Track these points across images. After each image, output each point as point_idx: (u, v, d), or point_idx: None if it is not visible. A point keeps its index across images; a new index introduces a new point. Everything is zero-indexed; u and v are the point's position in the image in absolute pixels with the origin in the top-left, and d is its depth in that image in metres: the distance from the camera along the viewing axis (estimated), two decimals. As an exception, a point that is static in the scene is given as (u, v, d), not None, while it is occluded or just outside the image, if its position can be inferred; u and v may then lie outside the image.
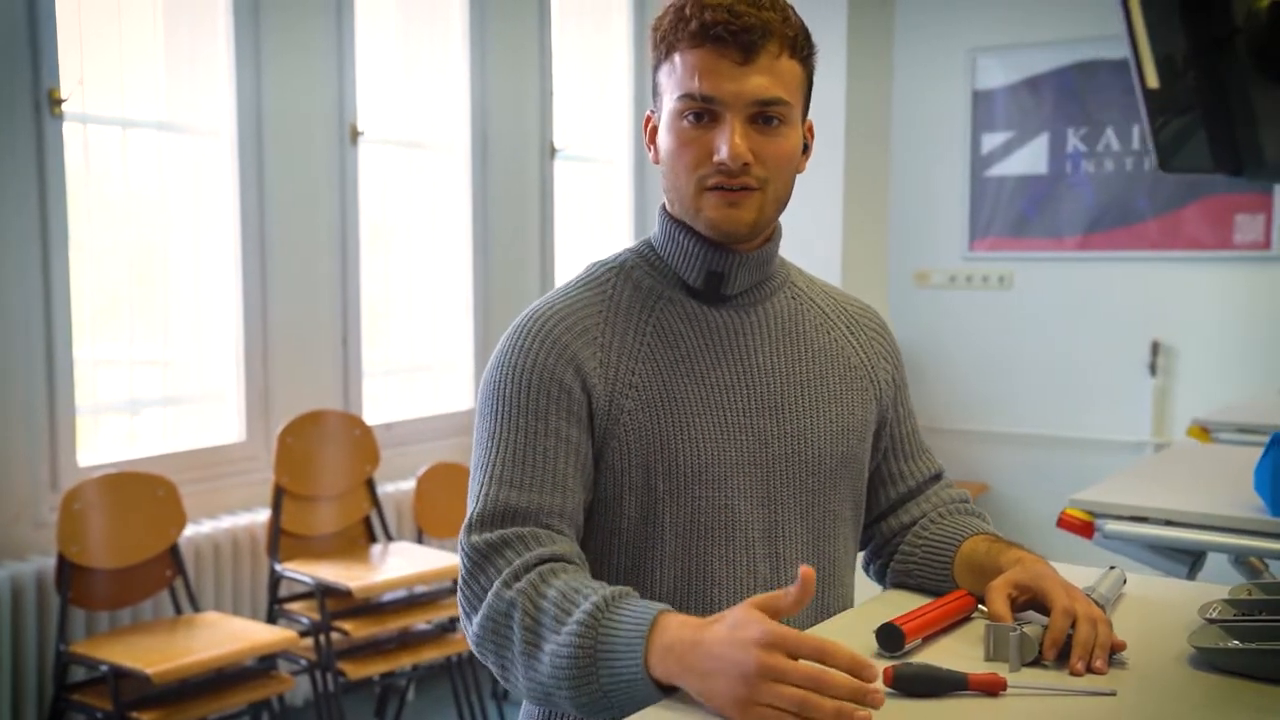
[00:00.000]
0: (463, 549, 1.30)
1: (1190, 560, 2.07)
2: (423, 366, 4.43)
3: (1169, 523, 2.03)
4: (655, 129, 1.41)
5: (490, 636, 1.25)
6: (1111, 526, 2.07)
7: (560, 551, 1.27)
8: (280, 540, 3.40)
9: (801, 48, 1.36)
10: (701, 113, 1.32)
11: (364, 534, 3.62)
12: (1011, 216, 5.16)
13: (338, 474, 3.56)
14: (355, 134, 3.95)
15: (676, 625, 1.14)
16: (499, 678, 1.28)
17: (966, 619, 1.39)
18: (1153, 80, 2.47)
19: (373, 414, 3.97)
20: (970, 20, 5.18)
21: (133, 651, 2.89)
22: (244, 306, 3.67)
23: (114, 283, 3.51)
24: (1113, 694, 1.16)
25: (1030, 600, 1.32)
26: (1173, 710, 1.15)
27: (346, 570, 3.30)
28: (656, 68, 1.39)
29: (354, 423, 3.66)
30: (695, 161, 1.33)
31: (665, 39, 1.36)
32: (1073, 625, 1.25)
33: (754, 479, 1.38)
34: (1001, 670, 1.21)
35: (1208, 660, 1.23)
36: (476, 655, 1.29)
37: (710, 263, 1.40)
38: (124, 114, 3.46)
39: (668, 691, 1.14)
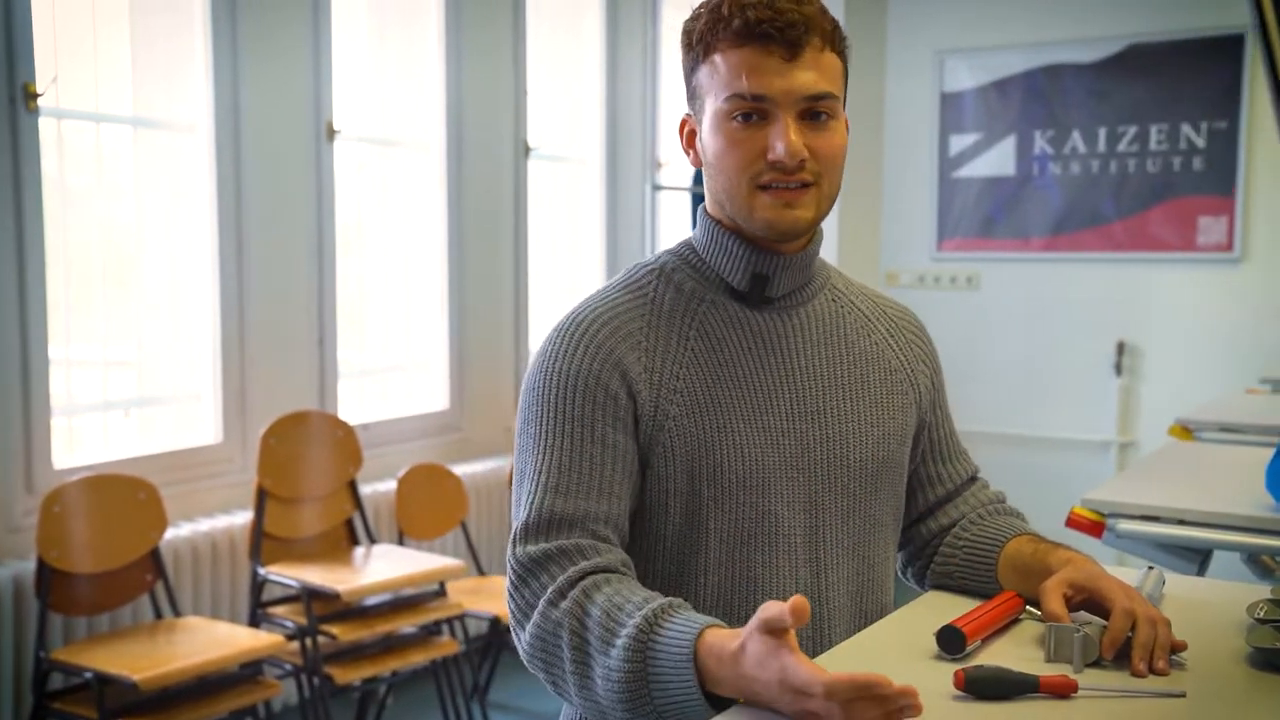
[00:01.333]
0: (509, 560, 1.29)
1: (1199, 558, 2.11)
2: (396, 366, 4.38)
3: (1181, 522, 2.06)
4: (693, 132, 1.40)
5: (540, 654, 1.24)
6: (1124, 526, 2.09)
7: (604, 563, 1.26)
8: (262, 543, 3.35)
9: (839, 41, 1.36)
10: (751, 112, 1.31)
11: (346, 536, 3.57)
12: (979, 217, 5.21)
13: (321, 475, 3.51)
14: (331, 132, 3.90)
15: (715, 657, 1.11)
16: (549, 687, 1.27)
17: (1016, 620, 1.40)
18: None
19: (348, 414, 3.92)
20: (938, 23, 5.22)
21: (117, 658, 2.83)
22: (221, 305, 3.61)
23: (88, 281, 3.43)
24: (1182, 695, 1.17)
25: (1085, 600, 1.33)
26: (1244, 711, 1.16)
27: (332, 573, 3.26)
28: (693, 70, 1.37)
29: (336, 424, 3.62)
30: (747, 161, 1.32)
31: (702, 40, 1.35)
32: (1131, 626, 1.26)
33: (796, 484, 1.37)
34: (1063, 671, 1.22)
35: (1266, 660, 1.25)
36: (527, 667, 1.29)
37: (755, 265, 1.39)
38: (99, 109, 3.39)
39: (722, 705, 1.13)
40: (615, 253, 5.24)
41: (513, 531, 1.30)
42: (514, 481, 1.35)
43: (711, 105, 1.34)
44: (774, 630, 1.06)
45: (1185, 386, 4.75)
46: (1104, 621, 1.30)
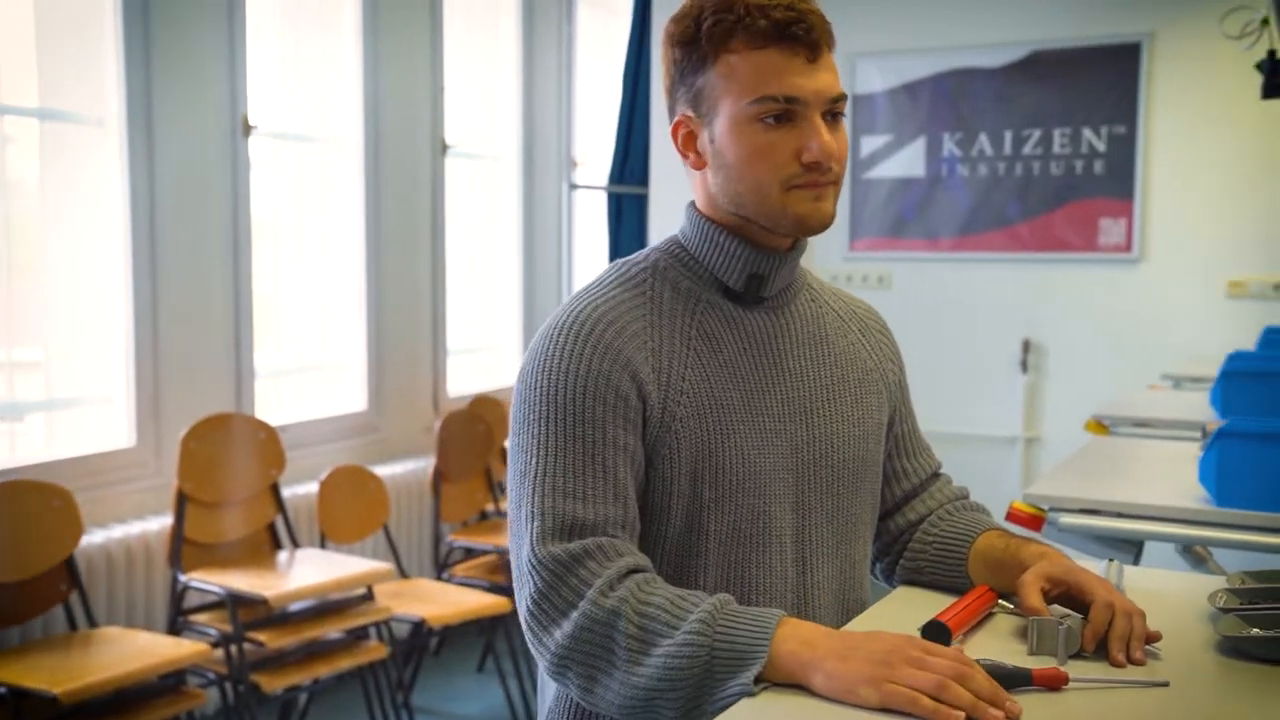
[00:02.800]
0: (535, 563, 1.25)
1: (1134, 550, 2.18)
2: (313, 366, 4.30)
3: (1120, 515, 2.13)
4: (690, 135, 1.38)
5: (582, 647, 1.21)
6: (1066, 520, 2.16)
7: (642, 562, 1.27)
8: (183, 548, 3.25)
9: (834, 42, 1.38)
10: (781, 114, 1.31)
11: (269, 540, 3.49)
12: (890, 218, 5.31)
13: (242, 479, 3.43)
14: (247, 127, 3.81)
15: (807, 625, 1.20)
16: (579, 690, 1.24)
17: (990, 614, 1.43)
18: None
19: (264, 416, 3.83)
20: (850, 26, 5.29)
21: (34, 672, 2.73)
22: (133, 304, 3.49)
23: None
24: (1166, 684, 1.21)
25: (1062, 594, 1.36)
26: (1223, 696, 1.21)
27: (257, 579, 3.18)
28: (696, 71, 1.34)
29: (258, 425, 3.53)
30: (780, 163, 1.32)
31: (712, 40, 1.32)
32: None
33: (786, 484, 1.38)
34: (1045, 663, 1.25)
35: (1235, 647, 1.29)
36: (554, 670, 1.25)
37: (752, 265, 1.39)
38: (1, 101, 3.26)
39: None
40: (532, 250, 5.21)
41: (530, 535, 1.26)
42: (514, 483, 1.31)
43: (730, 108, 1.32)
44: None
45: (1088, 383, 4.90)
46: (1078, 614, 1.33)
